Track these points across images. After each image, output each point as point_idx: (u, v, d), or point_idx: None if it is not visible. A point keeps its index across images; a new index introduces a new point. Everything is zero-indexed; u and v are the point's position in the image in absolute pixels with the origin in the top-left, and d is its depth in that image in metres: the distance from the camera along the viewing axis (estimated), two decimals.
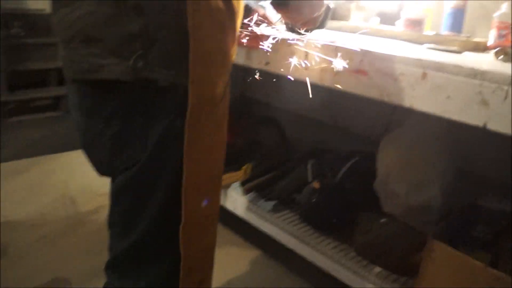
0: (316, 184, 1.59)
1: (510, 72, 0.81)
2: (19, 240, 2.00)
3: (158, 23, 0.74)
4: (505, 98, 0.80)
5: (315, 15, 0.95)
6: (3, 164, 2.78)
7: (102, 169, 0.93)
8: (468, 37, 1.51)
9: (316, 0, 0.92)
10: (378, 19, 1.77)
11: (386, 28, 1.63)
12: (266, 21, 1.16)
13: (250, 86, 2.53)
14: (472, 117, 0.85)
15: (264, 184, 1.88)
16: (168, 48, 0.75)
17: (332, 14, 1.83)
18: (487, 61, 1.05)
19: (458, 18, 1.66)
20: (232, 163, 2.00)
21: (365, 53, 1.01)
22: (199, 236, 0.93)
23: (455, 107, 0.87)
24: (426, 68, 0.91)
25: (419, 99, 0.93)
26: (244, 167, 1.95)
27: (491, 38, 1.46)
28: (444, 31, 1.68)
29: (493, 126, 0.82)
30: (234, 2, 0.83)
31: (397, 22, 1.68)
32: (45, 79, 3.97)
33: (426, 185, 1.34)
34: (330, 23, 1.71)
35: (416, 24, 1.55)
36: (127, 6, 0.73)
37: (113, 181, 0.92)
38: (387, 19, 1.92)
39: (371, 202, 1.49)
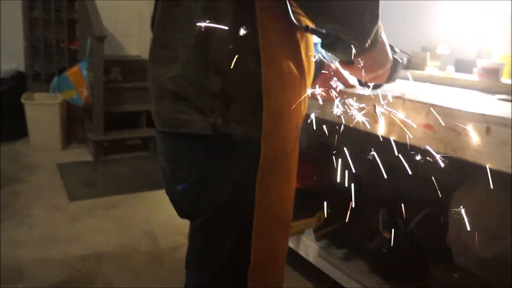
0: (387, 234, 1.59)
1: None
2: (105, 271, 2.16)
3: (236, 85, 0.84)
4: None
5: (381, 71, 0.99)
6: (96, 200, 3.05)
7: (182, 213, 1.04)
8: None
9: (382, 57, 0.96)
10: (453, 68, 1.77)
11: (461, 77, 1.63)
12: (338, 76, 1.22)
13: (328, 134, 2.58)
14: None
15: (337, 231, 1.89)
16: (244, 107, 0.85)
17: (407, 64, 1.87)
18: None
19: None
20: (307, 209, 2.04)
21: (430, 107, 1.04)
22: (266, 279, 0.99)
23: None
24: (490, 123, 0.92)
25: (483, 153, 0.93)
26: (318, 214, 1.99)
27: None
28: None
29: None
30: (305, 63, 0.92)
31: (474, 70, 1.66)
32: (136, 121, 4.30)
33: (500, 238, 1.30)
34: (405, 73, 1.74)
35: (492, 72, 1.53)
36: (210, 69, 0.85)
37: (191, 223, 1.02)
38: (464, 66, 1.91)
39: (443, 254, 1.46)
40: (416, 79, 1.69)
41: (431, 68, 1.83)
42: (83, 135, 4.37)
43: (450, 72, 1.74)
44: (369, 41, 0.83)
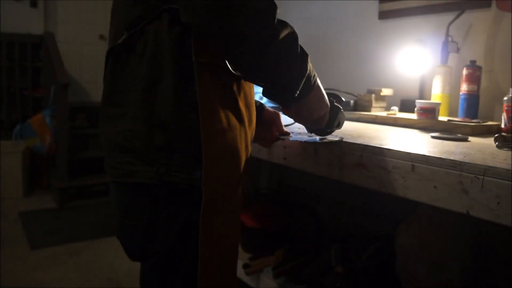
0: (339, 269, 1.64)
1: (485, 162, 0.90)
2: None
3: (178, 138, 0.91)
4: (482, 187, 0.88)
5: (316, 116, 1.07)
6: (59, 247, 3.00)
7: (133, 256, 1.08)
8: (479, 122, 1.59)
9: (317, 103, 1.04)
10: (397, 108, 1.89)
11: (402, 116, 1.75)
12: (275, 123, 1.29)
13: (287, 173, 2.69)
14: (456, 205, 0.93)
15: (295, 269, 1.94)
16: (185, 157, 0.91)
17: (354, 106, 1.99)
18: (482, 149, 1.14)
19: (472, 103, 1.76)
20: (266, 248, 2.09)
21: (364, 148, 1.12)
22: None
23: (441, 196, 0.95)
24: (414, 161, 1.01)
25: (410, 189, 1.02)
26: (276, 252, 2.03)
27: (503, 121, 1.54)
28: (460, 116, 1.77)
29: (474, 213, 0.89)
30: (244, 112, 0.99)
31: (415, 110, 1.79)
32: (101, 166, 4.28)
33: (445, 267, 1.37)
34: (352, 114, 1.86)
35: (429, 111, 1.65)
36: (155, 125, 0.92)
37: (141, 267, 1.06)
38: (408, 106, 2.05)
39: (394, 286, 1.52)
40: (361, 120, 1.81)
41: (376, 109, 1.96)
42: (47, 182, 4.32)
43: (394, 112, 1.86)
44: (298, 91, 0.92)
